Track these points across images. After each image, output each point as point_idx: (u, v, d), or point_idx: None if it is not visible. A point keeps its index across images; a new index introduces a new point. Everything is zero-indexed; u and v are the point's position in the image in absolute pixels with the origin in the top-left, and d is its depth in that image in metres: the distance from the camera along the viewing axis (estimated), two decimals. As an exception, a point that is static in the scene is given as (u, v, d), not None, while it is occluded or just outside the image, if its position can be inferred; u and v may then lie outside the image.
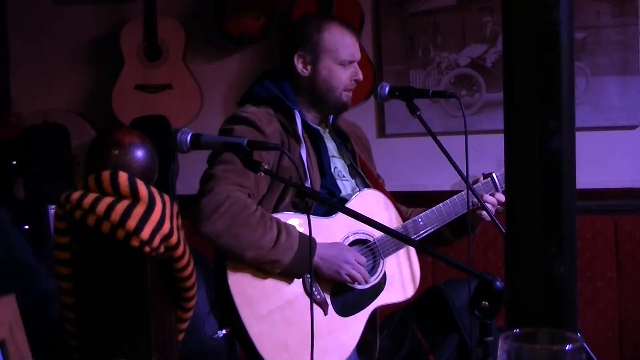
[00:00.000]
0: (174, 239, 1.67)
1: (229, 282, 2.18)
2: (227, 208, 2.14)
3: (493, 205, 2.41)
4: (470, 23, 3.69)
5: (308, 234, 2.19)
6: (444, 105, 3.69)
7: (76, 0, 4.01)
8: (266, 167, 1.86)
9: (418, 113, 2.32)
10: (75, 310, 1.71)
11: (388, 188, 2.50)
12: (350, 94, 2.42)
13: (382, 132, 3.78)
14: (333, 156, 2.43)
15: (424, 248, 2.02)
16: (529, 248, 0.94)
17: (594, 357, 1.80)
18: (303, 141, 2.31)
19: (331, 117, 2.51)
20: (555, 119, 0.92)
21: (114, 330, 1.68)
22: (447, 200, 2.40)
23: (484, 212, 2.37)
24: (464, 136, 2.20)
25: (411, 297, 2.44)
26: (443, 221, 2.40)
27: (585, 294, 3.33)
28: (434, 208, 2.39)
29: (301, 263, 2.16)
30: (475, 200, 2.38)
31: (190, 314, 1.84)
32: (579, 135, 0.95)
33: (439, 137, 2.26)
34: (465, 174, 2.20)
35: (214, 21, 3.81)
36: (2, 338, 1.45)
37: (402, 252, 2.39)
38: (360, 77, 2.41)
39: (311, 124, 2.40)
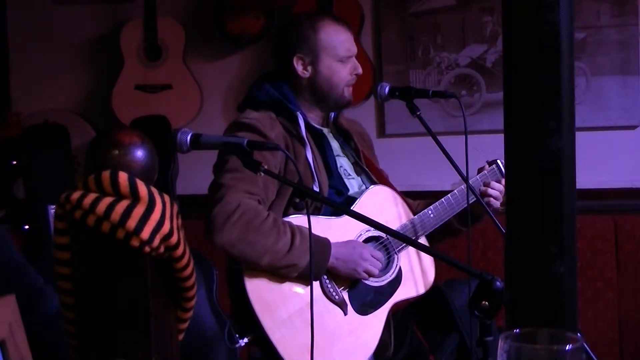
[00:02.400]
0: (174, 239, 1.67)
1: (247, 289, 2.16)
2: (239, 217, 2.13)
3: (500, 192, 2.41)
4: (470, 23, 3.69)
5: (321, 235, 2.20)
6: (444, 105, 3.68)
7: (76, 0, 4.01)
8: (265, 167, 1.86)
9: (418, 113, 2.32)
10: (75, 310, 1.71)
11: (388, 188, 2.50)
12: (351, 89, 2.42)
13: (382, 132, 3.77)
14: (338, 155, 2.43)
15: (425, 248, 2.02)
16: (529, 248, 0.94)
17: (594, 357, 1.80)
18: (308, 143, 2.31)
19: (332, 115, 2.51)
20: (555, 119, 0.92)
21: (114, 330, 1.68)
22: (455, 190, 2.40)
23: (492, 200, 2.38)
24: (464, 136, 2.20)
25: (427, 291, 2.43)
26: (453, 212, 2.40)
27: (585, 294, 3.33)
28: (442, 199, 2.39)
29: (317, 264, 2.15)
30: (481, 189, 2.39)
31: (191, 314, 1.84)
32: (579, 135, 0.95)
33: (439, 137, 2.27)
34: (465, 173, 2.20)
35: (214, 21, 3.80)
36: (2, 338, 1.45)
37: None
38: (360, 70, 2.41)
39: (314, 124, 2.40)
